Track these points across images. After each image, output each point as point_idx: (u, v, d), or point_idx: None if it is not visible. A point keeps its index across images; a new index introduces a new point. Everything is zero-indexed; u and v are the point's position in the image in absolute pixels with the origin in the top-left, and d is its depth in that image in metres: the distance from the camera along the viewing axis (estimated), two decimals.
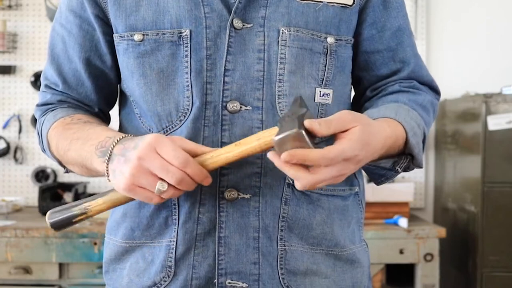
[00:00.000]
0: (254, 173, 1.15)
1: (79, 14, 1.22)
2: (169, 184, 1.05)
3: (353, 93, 1.32)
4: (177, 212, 1.17)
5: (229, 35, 1.15)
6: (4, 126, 3.49)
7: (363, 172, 1.28)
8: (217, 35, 1.15)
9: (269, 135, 1.05)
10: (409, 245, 2.88)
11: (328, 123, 1.01)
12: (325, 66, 1.19)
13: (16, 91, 3.50)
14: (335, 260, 1.21)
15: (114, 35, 1.20)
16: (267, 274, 1.17)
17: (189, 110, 1.15)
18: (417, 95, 1.25)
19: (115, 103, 1.32)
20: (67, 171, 1.28)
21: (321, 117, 1.18)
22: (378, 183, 1.25)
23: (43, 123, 1.26)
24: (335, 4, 1.19)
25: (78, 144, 1.16)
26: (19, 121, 3.48)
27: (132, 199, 1.12)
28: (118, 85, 1.29)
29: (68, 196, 3.21)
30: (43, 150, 1.29)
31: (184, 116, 1.16)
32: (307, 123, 1.00)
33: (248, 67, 1.15)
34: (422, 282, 2.91)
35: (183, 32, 1.15)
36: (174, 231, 1.17)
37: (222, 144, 1.13)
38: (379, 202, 3.03)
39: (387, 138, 1.09)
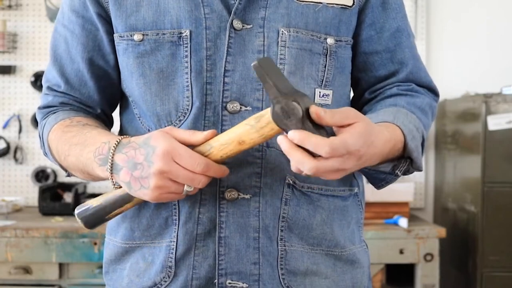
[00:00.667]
0: (254, 173, 1.15)
1: (82, 14, 1.22)
2: None
3: (352, 94, 1.32)
4: (177, 212, 1.17)
5: (229, 35, 1.15)
6: (4, 126, 3.49)
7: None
8: (217, 36, 1.15)
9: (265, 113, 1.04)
10: (409, 245, 2.88)
11: (333, 112, 1.01)
12: (325, 67, 1.19)
13: (16, 91, 3.50)
14: (335, 260, 1.21)
15: (114, 35, 1.20)
16: (267, 274, 1.17)
17: (189, 110, 1.16)
18: (415, 98, 1.25)
19: (117, 104, 1.32)
20: (69, 175, 1.28)
21: None
22: (378, 187, 1.25)
23: (44, 126, 1.26)
24: (334, 5, 1.19)
25: (77, 150, 1.16)
26: (19, 121, 3.48)
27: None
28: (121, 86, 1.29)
29: (68, 196, 3.21)
30: (45, 154, 1.28)
31: (184, 116, 1.16)
32: (313, 108, 1.00)
33: (248, 68, 1.15)
34: (422, 282, 2.91)
35: (183, 33, 1.16)
36: (174, 231, 1.17)
37: None
38: (379, 202, 3.03)
39: (387, 141, 1.09)
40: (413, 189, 3.14)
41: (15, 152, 3.48)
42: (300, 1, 1.18)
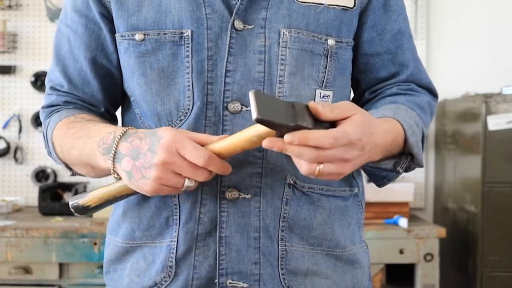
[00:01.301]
0: (255, 173, 1.15)
1: (85, 14, 1.22)
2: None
3: (352, 95, 1.33)
4: (178, 212, 1.17)
5: (230, 36, 1.15)
6: (4, 126, 3.49)
7: (363, 173, 1.29)
8: (218, 36, 1.15)
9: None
10: (409, 245, 2.89)
11: (331, 107, 1.01)
12: (326, 68, 1.20)
13: (16, 91, 3.50)
14: (336, 260, 1.21)
15: (115, 35, 1.21)
16: (267, 274, 1.17)
17: (190, 110, 1.16)
18: (415, 96, 1.26)
19: (120, 103, 1.32)
20: (73, 173, 1.27)
21: None
22: (380, 185, 1.25)
23: (48, 125, 1.26)
24: (336, 6, 1.19)
25: (81, 142, 1.16)
26: (19, 121, 3.48)
27: (135, 193, 1.13)
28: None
29: (68, 196, 3.21)
30: (49, 153, 1.28)
31: (185, 116, 1.16)
32: (311, 104, 1.00)
33: (249, 68, 1.15)
34: (422, 282, 2.91)
35: (184, 33, 1.16)
36: (175, 231, 1.17)
37: None
38: (379, 202, 3.03)
39: (387, 132, 1.09)
40: (413, 189, 3.14)
41: (15, 152, 3.48)
42: (301, 2, 1.18)
